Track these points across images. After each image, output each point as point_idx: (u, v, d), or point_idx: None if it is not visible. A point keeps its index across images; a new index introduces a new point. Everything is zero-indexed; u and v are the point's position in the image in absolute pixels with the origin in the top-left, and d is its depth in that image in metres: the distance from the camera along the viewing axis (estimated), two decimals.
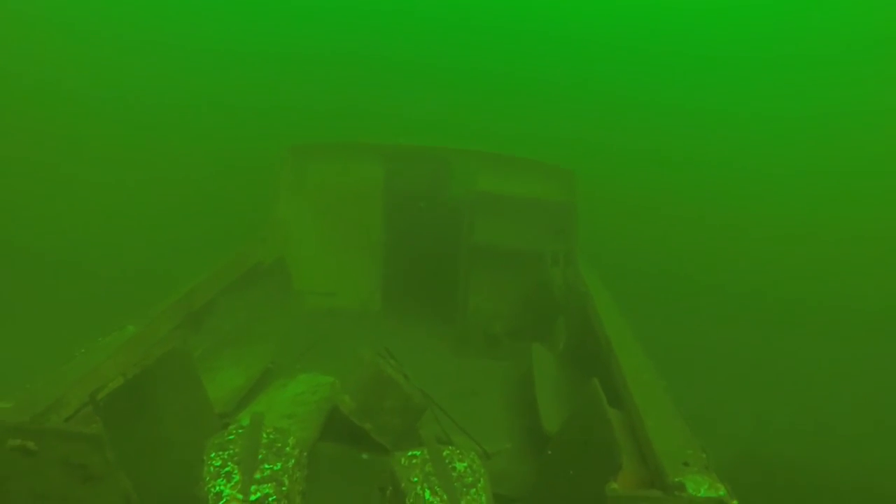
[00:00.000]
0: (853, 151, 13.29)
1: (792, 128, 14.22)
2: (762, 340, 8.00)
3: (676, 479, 2.55)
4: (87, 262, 7.46)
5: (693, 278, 9.29)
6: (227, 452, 2.48)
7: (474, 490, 2.38)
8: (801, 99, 14.91)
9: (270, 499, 2.31)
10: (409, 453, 2.59)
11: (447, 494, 2.33)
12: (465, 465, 2.52)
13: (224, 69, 14.58)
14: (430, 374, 5.05)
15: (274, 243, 6.11)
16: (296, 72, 14.94)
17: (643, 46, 16.98)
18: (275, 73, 14.62)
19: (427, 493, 2.34)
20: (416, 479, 2.43)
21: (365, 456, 3.61)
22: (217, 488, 2.32)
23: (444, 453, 2.58)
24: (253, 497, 2.30)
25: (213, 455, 2.46)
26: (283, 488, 2.37)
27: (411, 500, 2.34)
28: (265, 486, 2.35)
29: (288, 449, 2.56)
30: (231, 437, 2.58)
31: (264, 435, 2.60)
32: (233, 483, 2.34)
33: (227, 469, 2.40)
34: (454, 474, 2.46)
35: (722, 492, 2.52)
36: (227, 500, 2.28)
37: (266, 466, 2.43)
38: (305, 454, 2.72)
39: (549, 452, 3.47)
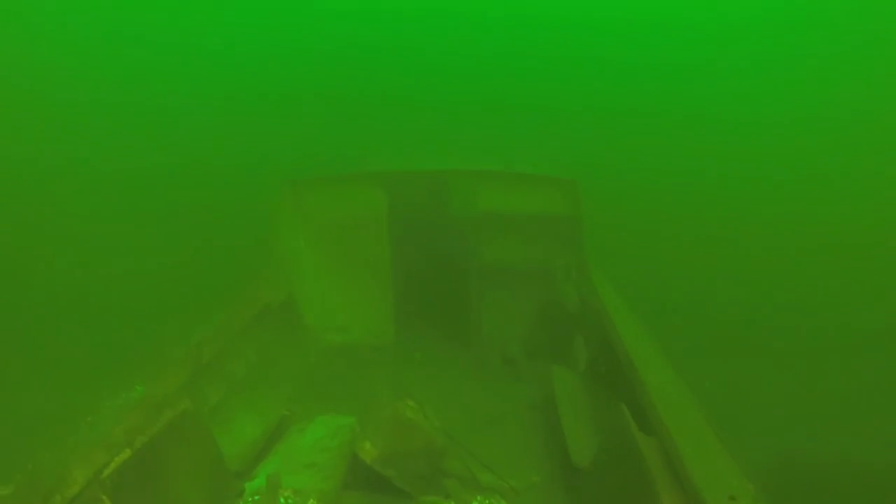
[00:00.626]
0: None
1: (806, 131, 14.02)
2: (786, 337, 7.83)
3: None
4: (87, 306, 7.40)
5: (717, 285, 9.12)
6: None
7: None
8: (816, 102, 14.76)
9: None
10: (433, 502, 2.47)
11: None
12: None
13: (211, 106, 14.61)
14: (449, 404, 4.95)
15: (280, 281, 6.02)
16: (289, 106, 14.97)
17: (641, 55, 16.91)
18: (265, 107, 14.63)
19: None
20: None
21: (390, 502, 3.49)
22: None
23: (473, 503, 2.45)
24: None
25: None
26: None
27: None
28: None
29: None
30: None
31: (282, 500, 2.49)
32: None
33: None
34: None
35: None
36: None
37: None
38: None
39: (582, 489, 3.34)
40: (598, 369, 4.71)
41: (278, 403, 4.69)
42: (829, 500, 5.16)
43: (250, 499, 2.52)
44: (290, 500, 2.51)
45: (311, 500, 2.52)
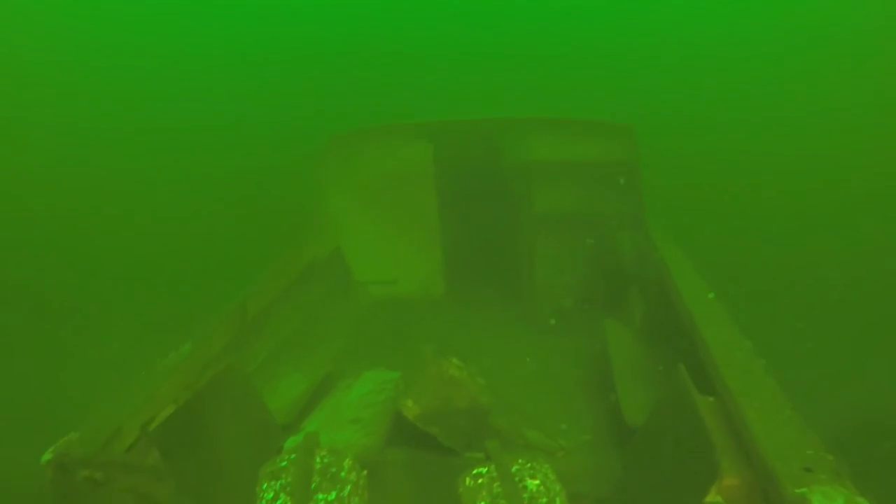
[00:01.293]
0: None
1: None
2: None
3: (797, 491, 2.09)
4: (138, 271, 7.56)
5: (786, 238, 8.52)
6: (279, 482, 2.32)
7: None
8: None
9: None
10: (475, 471, 2.35)
11: None
12: (538, 482, 2.25)
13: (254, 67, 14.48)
14: (498, 358, 4.82)
15: (327, 237, 5.97)
16: (332, 60, 14.73)
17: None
18: (306, 64, 14.40)
19: None
20: (483, 503, 2.19)
21: (434, 460, 3.41)
22: None
23: (514, 469, 2.32)
24: None
25: (265, 486, 2.31)
26: None
27: None
28: None
29: (343, 474, 2.37)
30: (283, 463, 2.42)
31: (318, 459, 2.42)
32: None
33: (279, 502, 2.22)
34: (526, 495, 2.19)
35: None
36: None
37: (320, 497, 2.25)
38: (365, 473, 2.53)
39: (634, 450, 3.16)
40: (653, 324, 4.47)
41: (325, 360, 4.67)
42: None
43: (287, 456, 2.45)
44: (325, 460, 2.43)
45: (347, 461, 2.44)
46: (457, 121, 6.22)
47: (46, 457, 2.67)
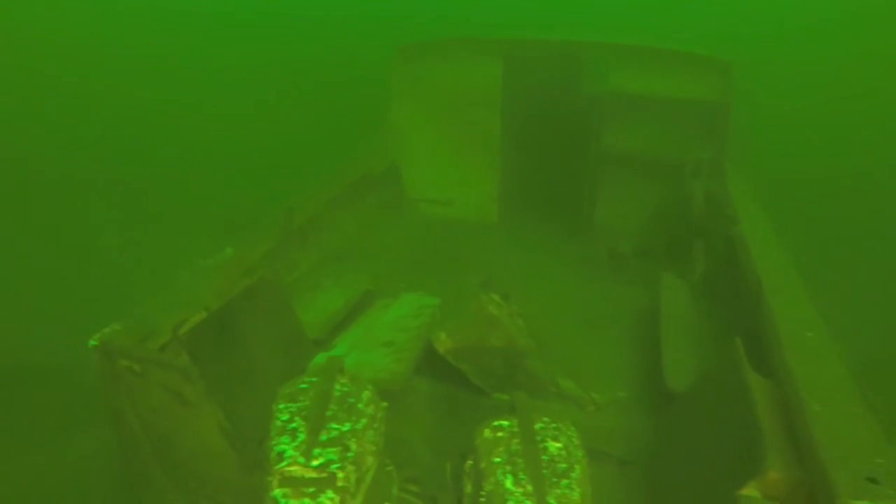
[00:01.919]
0: None
1: None
2: None
3: (854, 502, 1.86)
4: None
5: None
6: (296, 405, 2.25)
7: (566, 482, 1.97)
8: None
9: (333, 465, 2.06)
10: (496, 423, 2.22)
11: (532, 485, 1.95)
12: (561, 445, 2.11)
13: None
14: (545, 298, 4.65)
15: (386, 150, 5.79)
16: None
17: None
18: None
19: (509, 481, 1.98)
20: (498, 459, 2.07)
21: (460, 396, 3.34)
22: (280, 447, 2.11)
23: (537, 427, 2.18)
24: (315, 462, 2.06)
25: (282, 406, 2.25)
26: (350, 454, 2.11)
27: (490, 487, 1.99)
28: (329, 450, 2.10)
29: (361, 406, 2.28)
30: (303, 385, 2.35)
31: (337, 387, 2.34)
32: (297, 443, 2.11)
33: (293, 425, 2.17)
34: (545, 457, 2.06)
35: None
36: (288, 463, 2.06)
37: (334, 427, 2.17)
38: (384, 406, 2.44)
39: (670, 418, 2.98)
40: (715, 284, 4.17)
41: (366, 276, 4.60)
42: None
43: (308, 379, 2.39)
44: (345, 388, 2.35)
45: (366, 392, 2.36)
46: (532, 39, 5.81)
47: (93, 342, 2.76)
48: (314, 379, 2.39)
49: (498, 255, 5.45)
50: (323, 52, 10.68)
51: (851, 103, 9.50)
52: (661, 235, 5.30)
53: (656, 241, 5.27)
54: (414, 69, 5.92)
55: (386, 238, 5.49)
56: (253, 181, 6.89)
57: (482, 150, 6.04)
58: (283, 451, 2.09)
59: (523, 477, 1.99)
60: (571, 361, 3.73)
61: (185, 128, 8.89)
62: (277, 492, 2.02)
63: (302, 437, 2.12)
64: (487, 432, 2.18)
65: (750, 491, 2.05)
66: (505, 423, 2.21)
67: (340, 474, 2.05)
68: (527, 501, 1.92)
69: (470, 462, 2.19)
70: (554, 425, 2.20)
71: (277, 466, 2.05)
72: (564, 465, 2.04)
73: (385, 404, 2.47)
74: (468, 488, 2.17)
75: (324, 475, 2.04)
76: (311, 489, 2.02)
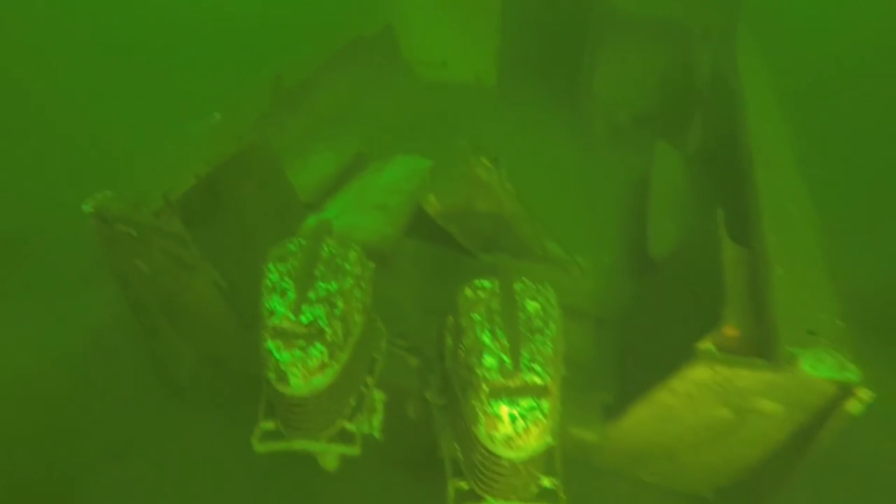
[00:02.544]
0: None
1: None
2: None
3: (791, 349, 2.13)
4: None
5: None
6: (285, 265, 2.35)
7: (541, 338, 2.11)
8: None
9: (321, 322, 2.19)
10: (478, 283, 2.33)
11: (508, 341, 2.09)
12: (538, 305, 2.23)
13: None
14: (537, 163, 4.65)
15: (379, 9, 5.51)
16: None
17: None
18: None
19: (486, 336, 2.11)
20: (478, 316, 2.20)
21: (447, 257, 3.46)
22: (271, 305, 2.23)
23: (517, 287, 2.29)
24: (303, 318, 2.19)
25: (271, 267, 2.35)
26: (336, 311, 2.24)
27: (468, 342, 2.13)
28: (317, 307, 2.22)
29: (348, 266, 2.38)
30: (292, 247, 2.43)
31: (325, 248, 2.43)
32: (286, 301, 2.23)
33: (283, 284, 2.28)
34: (522, 316, 2.18)
35: (852, 375, 2.07)
36: (278, 320, 2.19)
37: (321, 285, 2.28)
38: (372, 266, 2.55)
39: (649, 282, 3.11)
40: (708, 155, 4.16)
41: (359, 139, 4.57)
42: None
43: (296, 241, 2.47)
44: (332, 250, 2.44)
45: (353, 253, 2.44)
46: None
47: (87, 207, 2.81)
48: (303, 241, 2.47)
49: (492, 119, 5.37)
50: None
51: None
52: (660, 104, 5.18)
53: (655, 110, 5.15)
54: None
55: (379, 101, 5.37)
56: (240, 41, 6.57)
57: (480, 9, 5.76)
58: (274, 309, 2.22)
59: (500, 333, 2.13)
60: (559, 226, 3.81)
61: None
62: (270, 344, 2.16)
63: (291, 295, 2.24)
64: (469, 291, 2.29)
65: (705, 344, 2.21)
66: (486, 283, 2.32)
67: (328, 329, 2.19)
68: (502, 354, 2.06)
69: (451, 318, 2.32)
70: (533, 286, 2.31)
71: (269, 323, 2.18)
72: (540, 323, 2.17)
73: (372, 265, 2.57)
74: (449, 342, 2.32)
75: (313, 330, 2.18)
76: (302, 342, 2.17)
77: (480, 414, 2.01)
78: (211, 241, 2.97)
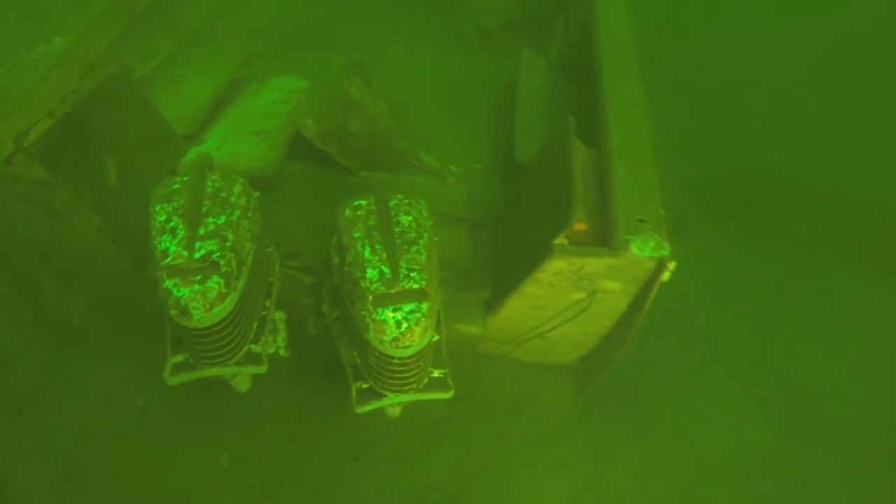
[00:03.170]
0: None
1: None
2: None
3: (625, 237, 2.54)
4: None
5: None
6: (171, 205, 2.42)
7: (415, 248, 2.37)
8: None
9: (214, 255, 2.31)
10: (355, 203, 2.54)
11: (386, 253, 2.35)
12: (411, 218, 2.48)
13: None
14: (411, 73, 4.78)
15: None
16: None
17: None
18: None
19: (367, 251, 2.35)
20: (357, 234, 2.42)
21: (329, 177, 3.61)
22: (163, 245, 2.30)
23: (392, 203, 2.52)
24: (196, 254, 2.31)
25: (157, 208, 2.41)
26: (227, 243, 2.36)
27: (351, 258, 2.37)
28: (209, 242, 2.33)
29: (233, 199, 2.49)
30: (176, 186, 2.50)
31: (209, 183, 2.52)
32: (178, 239, 2.31)
33: (171, 224, 2.36)
34: (397, 229, 2.43)
35: (665, 251, 2.52)
36: (172, 258, 2.30)
37: (210, 220, 2.39)
38: (257, 196, 2.67)
39: (514, 185, 3.44)
40: (568, 61, 4.45)
41: (232, 62, 4.48)
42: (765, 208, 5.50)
43: (179, 179, 2.53)
44: (216, 184, 2.53)
45: (237, 186, 2.55)
46: None
47: None
48: (185, 178, 2.55)
49: (366, 28, 5.35)
50: None
51: None
52: (526, 10, 5.36)
53: (521, 16, 5.34)
54: None
55: (249, 15, 5.20)
56: None
57: None
58: (167, 248, 2.31)
59: (379, 247, 2.38)
60: (433, 136, 4.02)
61: None
62: (168, 283, 2.26)
63: (181, 233, 2.34)
64: (348, 212, 2.51)
65: (560, 240, 2.58)
66: (363, 202, 2.53)
67: (222, 262, 2.33)
68: (382, 266, 2.33)
69: (335, 238, 2.54)
70: (406, 201, 2.55)
71: (163, 262, 2.29)
72: (414, 234, 2.43)
73: (257, 193, 2.69)
74: (335, 260, 2.55)
75: (207, 264, 2.32)
76: (198, 276, 2.30)
77: (369, 321, 2.29)
78: (82, 183, 2.87)
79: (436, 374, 2.65)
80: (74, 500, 2.95)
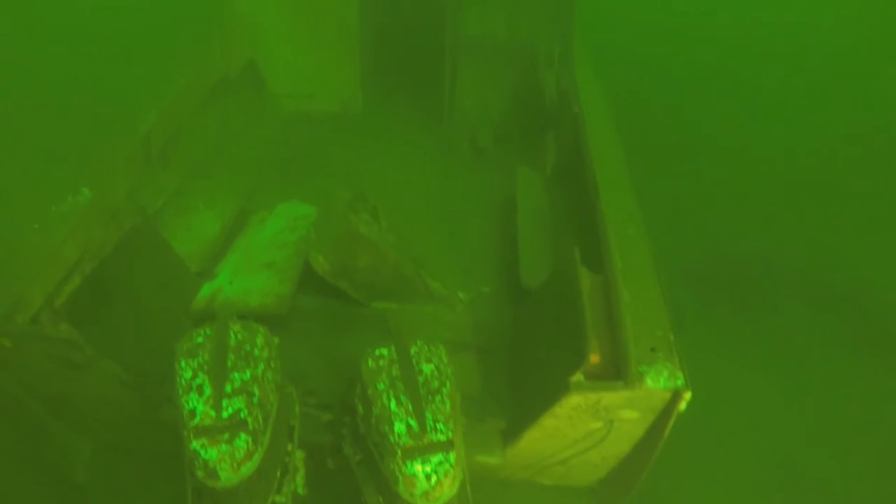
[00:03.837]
0: None
1: None
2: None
3: (639, 369, 2.60)
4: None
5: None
6: (196, 360, 2.48)
7: (439, 397, 2.44)
8: None
9: (242, 413, 2.35)
10: (377, 352, 2.61)
11: (412, 405, 2.40)
12: (433, 366, 2.55)
13: None
14: (410, 192, 4.97)
15: (239, 46, 5.52)
16: None
17: None
18: None
19: (392, 403, 2.41)
20: (381, 385, 2.48)
21: (342, 310, 3.69)
22: (190, 404, 2.34)
23: (412, 351, 2.60)
24: (224, 413, 2.34)
25: (182, 364, 2.47)
26: (254, 399, 2.41)
27: (378, 410, 2.42)
28: (236, 399, 2.37)
29: (256, 352, 2.55)
30: (199, 339, 2.57)
31: (231, 336, 2.59)
32: (204, 398, 2.36)
33: (198, 381, 2.41)
34: (420, 378, 2.50)
35: (679, 381, 2.59)
36: (200, 419, 2.33)
37: (236, 376, 2.44)
38: (277, 342, 2.73)
39: (523, 313, 3.53)
40: (564, 176, 4.66)
41: (238, 190, 4.65)
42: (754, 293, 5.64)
43: (203, 332, 2.60)
44: (239, 336, 2.60)
45: (260, 337, 2.62)
46: None
47: None
48: (208, 331, 2.61)
49: (363, 150, 5.59)
50: None
51: None
52: (517, 123, 5.66)
53: (513, 129, 5.63)
54: None
55: (250, 143, 5.43)
56: (95, 91, 6.21)
57: (340, 39, 5.92)
58: (194, 408, 2.35)
59: (404, 398, 2.43)
60: (438, 259, 4.15)
61: None
62: (195, 444, 2.28)
63: (208, 391, 2.39)
64: (370, 362, 2.57)
65: (576, 377, 2.65)
66: (385, 351, 2.61)
67: (250, 419, 2.36)
68: (408, 419, 2.37)
69: (359, 388, 2.59)
70: (427, 348, 2.63)
71: (191, 423, 2.32)
72: (437, 384, 2.50)
73: (277, 340, 2.76)
74: (360, 409, 2.59)
75: (235, 422, 2.34)
76: (226, 435, 2.33)
77: (399, 475, 2.31)
78: (103, 333, 2.93)
79: None
80: None
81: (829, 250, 6.04)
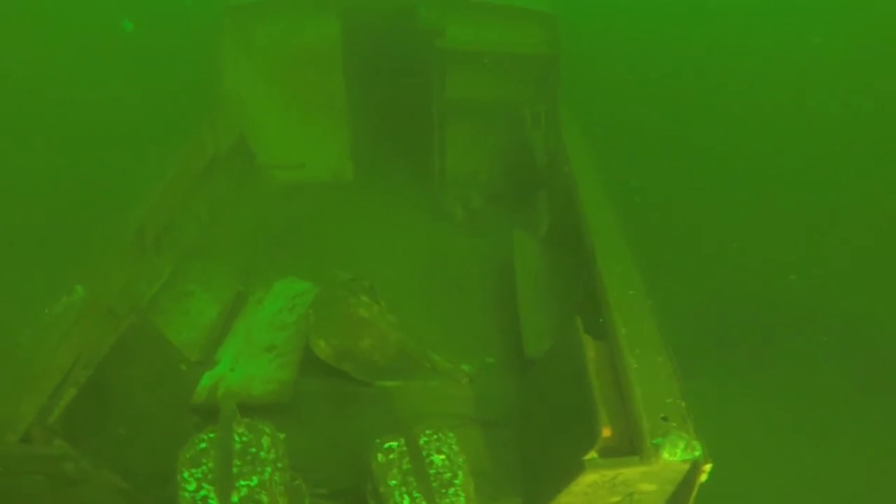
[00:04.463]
0: None
1: None
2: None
3: (654, 442, 2.52)
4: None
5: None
6: (200, 470, 2.42)
7: (452, 489, 2.39)
8: None
9: None
10: (386, 445, 2.56)
11: (426, 501, 2.35)
12: (443, 457, 2.50)
13: None
14: (406, 261, 4.97)
15: (229, 123, 5.57)
16: None
17: None
18: None
19: (406, 500, 2.36)
20: (393, 482, 2.43)
21: (347, 391, 3.64)
22: None
23: (422, 442, 2.55)
24: None
25: (186, 476, 2.40)
26: None
27: None
28: None
29: (263, 454, 2.50)
30: (202, 445, 2.51)
31: (236, 438, 2.53)
32: None
33: (202, 493, 2.35)
34: (432, 471, 2.45)
35: (697, 452, 2.53)
36: None
37: (242, 484, 2.39)
38: (283, 438, 2.67)
39: (528, 384, 3.49)
40: (558, 236, 4.67)
41: (234, 270, 4.63)
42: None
43: (206, 437, 2.54)
44: (244, 438, 2.54)
45: (265, 438, 2.56)
46: None
47: None
48: (211, 435, 2.55)
49: (356, 219, 5.61)
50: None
51: None
52: (509, 185, 5.72)
53: (504, 192, 5.68)
54: (246, 31, 5.63)
55: (243, 217, 5.42)
56: (83, 175, 6.25)
57: (328, 109, 6.02)
58: None
59: (417, 494, 2.38)
60: (438, 331, 4.12)
61: None
62: None
63: (214, 502, 2.33)
64: (380, 456, 2.52)
65: (590, 455, 2.59)
66: (394, 444, 2.56)
67: None
68: None
69: (370, 485, 2.53)
70: (436, 437, 2.58)
71: None
72: (449, 475, 2.44)
73: (283, 435, 2.70)
74: None
75: None
76: None
77: None
78: (100, 448, 2.80)
79: None
80: None
81: (830, 286, 6.06)
